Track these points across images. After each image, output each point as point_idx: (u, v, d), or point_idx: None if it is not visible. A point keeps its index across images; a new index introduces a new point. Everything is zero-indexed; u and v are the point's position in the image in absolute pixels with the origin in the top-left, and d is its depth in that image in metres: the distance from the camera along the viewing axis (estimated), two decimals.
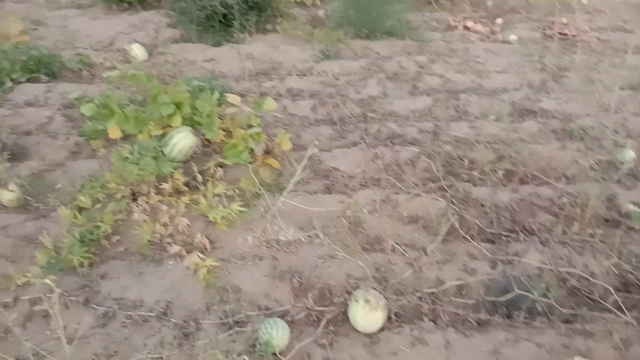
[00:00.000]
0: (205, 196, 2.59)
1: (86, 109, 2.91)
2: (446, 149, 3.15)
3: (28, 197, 2.70)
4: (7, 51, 4.24)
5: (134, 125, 2.76)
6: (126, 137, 3.00)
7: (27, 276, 2.20)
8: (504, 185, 2.95)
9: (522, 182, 2.99)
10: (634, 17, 6.19)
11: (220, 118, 3.04)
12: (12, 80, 4.00)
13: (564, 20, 5.70)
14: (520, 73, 4.42)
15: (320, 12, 5.75)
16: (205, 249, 2.42)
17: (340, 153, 3.14)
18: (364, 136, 3.32)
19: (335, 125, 3.51)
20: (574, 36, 5.32)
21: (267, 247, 2.46)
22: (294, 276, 2.27)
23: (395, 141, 3.29)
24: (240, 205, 2.58)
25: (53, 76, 4.22)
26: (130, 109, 2.99)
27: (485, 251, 2.46)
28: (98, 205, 2.50)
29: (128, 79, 2.92)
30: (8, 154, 2.86)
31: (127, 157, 2.57)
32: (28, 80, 4.08)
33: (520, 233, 2.62)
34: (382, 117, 3.63)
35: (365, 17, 5.05)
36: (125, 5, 5.90)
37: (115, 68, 4.36)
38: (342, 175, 2.92)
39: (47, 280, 1.55)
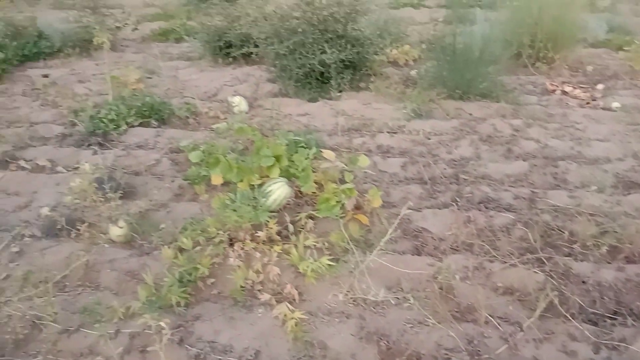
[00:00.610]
0: (296, 247, 2.66)
1: (193, 156, 3.14)
2: (544, 218, 3.02)
3: (134, 234, 2.91)
4: (125, 97, 4.71)
5: (236, 174, 2.93)
6: (226, 184, 3.18)
7: (129, 310, 2.34)
8: (608, 263, 2.75)
9: (629, 260, 2.78)
10: None
11: (313, 171, 3.15)
12: (127, 123, 4.41)
13: None
14: (624, 143, 4.18)
15: (413, 72, 5.86)
16: (294, 300, 2.45)
17: (431, 214, 3.11)
18: (456, 198, 3.27)
19: (425, 184, 3.50)
20: None
21: (354, 305, 2.45)
22: (381, 339, 2.23)
23: (489, 205, 3.20)
24: (329, 259, 2.61)
25: (162, 122, 4.59)
26: (232, 157, 3.18)
27: (587, 333, 2.29)
28: (197, 248, 2.64)
29: (235, 132, 3.11)
30: (121, 193, 3.11)
31: (227, 204, 2.72)
32: (140, 125, 4.47)
33: (628, 317, 2.41)
34: (475, 179, 3.56)
35: (459, 79, 5.07)
36: (230, 59, 6.36)
37: (218, 117, 4.70)
38: (433, 237, 2.88)
39: (161, 323, 1.63)
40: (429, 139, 4.22)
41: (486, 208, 3.17)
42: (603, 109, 5.00)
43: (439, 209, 3.17)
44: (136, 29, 8.08)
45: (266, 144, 2.97)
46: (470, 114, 4.79)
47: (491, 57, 5.20)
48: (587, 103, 5.14)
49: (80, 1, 7.68)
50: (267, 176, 3.02)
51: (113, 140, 4.20)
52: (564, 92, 5.39)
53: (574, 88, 5.47)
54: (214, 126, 3.64)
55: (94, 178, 3.21)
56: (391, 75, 5.87)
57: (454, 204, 3.21)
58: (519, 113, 4.79)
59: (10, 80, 6.01)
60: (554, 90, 5.45)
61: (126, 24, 7.86)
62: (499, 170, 3.69)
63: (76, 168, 3.71)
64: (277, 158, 2.99)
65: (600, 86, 5.64)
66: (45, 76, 6.14)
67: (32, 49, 6.86)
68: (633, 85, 5.80)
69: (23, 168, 3.79)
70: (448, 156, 3.94)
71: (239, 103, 4.86)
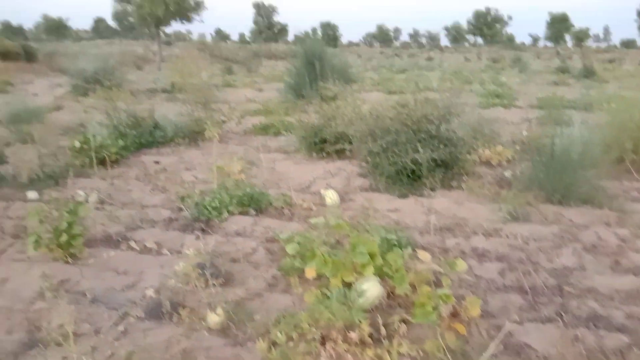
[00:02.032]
0: (389, 353, 2.58)
1: (290, 248, 3.25)
2: None
3: (230, 323, 3.00)
4: (228, 186, 5.06)
5: (330, 269, 2.97)
6: (319, 277, 3.23)
7: None
8: None
9: None
10: None
11: (407, 271, 3.11)
12: (228, 211, 4.69)
13: None
14: None
15: (507, 173, 5.78)
16: None
17: (534, 328, 2.91)
18: (561, 312, 3.06)
19: (526, 294, 3.31)
20: None
21: None
22: None
23: (599, 324, 2.95)
24: None
25: (260, 211, 4.84)
26: (325, 250, 3.25)
27: None
28: (290, 343, 2.65)
29: (333, 227, 3.21)
30: (222, 280, 3.25)
31: (321, 300, 2.74)
32: (240, 213, 4.74)
33: None
34: (581, 292, 3.33)
35: (557, 182, 4.93)
36: (324, 154, 6.70)
37: (311, 209, 4.87)
38: (537, 355, 2.68)
39: None
40: (528, 244, 4.06)
41: (595, 326, 2.92)
42: None
43: (543, 323, 2.97)
44: (239, 123, 8.79)
45: (362, 241, 3.02)
46: (571, 220, 4.58)
47: (591, 161, 5.04)
48: None
49: (193, 97, 8.54)
50: (361, 273, 3.04)
51: (214, 227, 4.46)
52: None
53: None
54: (311, 220, 3.77)
55: (196, 263, 3.40)
56: (484, 175, 5.83)
57: (558, 318, 2.99)
58: (625, 222, 4.51)
59: (126, 165, 6.70)
60: None
61: (231, 118, 8.59)
62: (606, 284, 3.43)
63: (180, 252, 3.97)
64: (372, 256, 3.01)
65: None
66: (157, 163, 6.79)
67: (148, 138, 7.68)
68: None
69: (132, 248, 4.11)
70: (549, 264, 3.74)
71: (332, 196, 5.03)
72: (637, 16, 62.81)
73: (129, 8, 26.46)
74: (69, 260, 3.76)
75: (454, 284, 3.38)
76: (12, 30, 65.11)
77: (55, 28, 66.78)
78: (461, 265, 3.01)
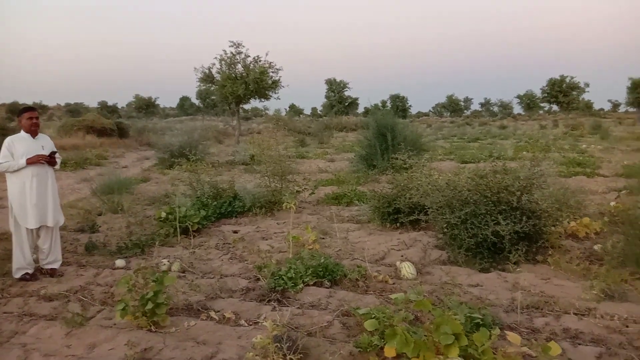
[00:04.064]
0: None
1: (369, 325, 3.17)
2: None
3: None
4: (303, 257, 5.10)
5: (412, 349, 2.85)
6: (398, 356, 3.10)
7: None
8: None
9: None
10: None
11: (494, 353, 2.92)
12: (303, 282, 4.70)
13: None
14: None
15: (597, 247, 5.41)
16: None
17: None
18: None
19: None
20: None
21: None
22: None
23: None
24: None
25: (334, 282, 4.80)
26: (405, 328, 3.13)
27: None
28: None
29: (415, 305, 3.12)
30: (300, 355, 3.21)
31: None
32: (314, 284, 4.73)
33: None
34: None
35: None
36: (398, 224, 6.63)
37: (387, 282, 4.77)
38: None
39: None
40: (627, 326, 3.69)
41: None
42: None
43: None
44: (313, 192, 8.98)
45: (445, 320, 2.89)
46: None
47: None
48: None
49: (269, 168, 8.89)
50: (444, 354, 2.88)
51: (290, 298, 4.47)
52: None
53: None
54: (391, 296, 3.68)
55: (273, 335, 3.39)
56: (571, 249, 5.49)
57: None
58: None
59: (207, 234, 6.97)
60: None
61: (305, 188, 8.80)
62: None
63: (257, 322, 3.99)
64: (456, 336, 2.86)
65: None
66: (236, 232, 7.01)
67: (227, 208, 8.00)
68: None
69: (212, 318, 4.18)
70: None
71: (409, 269, 4.91)
72: None
73: (212, 88, 28.50)
74: (153, 328, 3.88)
75: None
76: (108, 109, 72.16)
77: (145, 106, 73.14)
78: (556, 349, 2.78)
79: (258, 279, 4.91)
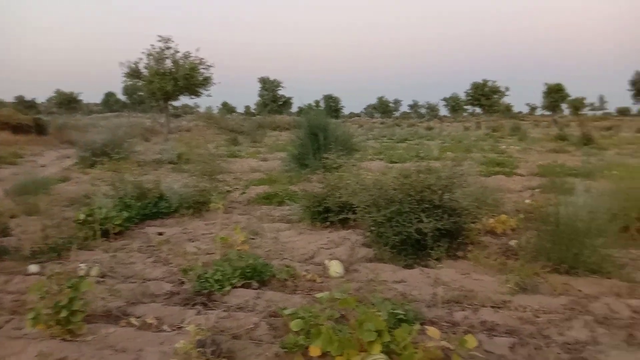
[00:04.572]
0: None
1: (295, 325, 3.16)
2: None
3: None
4: (231, 258, 5.00)
5: (336, 347, 2.87)
6: (324, 355, 3.11)
7: None
8: None
9: None
10: None
11: (415, 348, 3.00)
12: (230, 284, 4.61)
13: None
14: None
15: (512, 242, 5.73)
16: None
17: None
18: None
19: None
20: None
21: None
22: None
23: None
24: None
25: (263, 283, 4.75)
26: (330, 326, 3.15)
27: None
28: None
29: (340, 303, 3.14)
30: (224, 358, 3.14)
31: None
32: (242, 286, 4.65)
33: None
34: None
35: (564, 252, 4.86)
36: (328, 223, 6.68)
37: (315, 281, 4.79)
38: None
39: None
40: (538, 317, 3.94)
41: None
42: None
43: None
44: (243, 192, 8.86)
45: (369, 317, 2.94)
46: (580, 291, 4.47)
47: (597, 230, 4.99)
48: None
49: (198, 168, 8.68)
50: (366, 351, 2.93)
51: (216, 301, 4.37)
52: None
53: None
54: (316, 295, 3.70)
55: (197, 340, 3.30)
56: (489, 245, 5.78)
57: None
58: (635, 292, 4.40)
59: (129, 237, 6.68)
60: None
61: (235, 188, 8.67)
62: (622, 359, 3.29)
63: (180, 327, 3.86)
64: (379, 332, 2.92)
65: None
66: (160, 234, 6.77)
67: (152, 209, 7.71)
68: None
69: (132, 325, 4.00)
70: (561, 338, 3.61)
71: (336, 267, 4.96)
72: (630, 85, 64.71)
73: (139, 83, 27.44)
74: (68, 337, 3.65)
75: None
76: (25, 104, 67.37)
77: (67, 102, 69.13)
78: (472, 341, 2.90)
79: (183, 283, 4.76)
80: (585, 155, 16.36)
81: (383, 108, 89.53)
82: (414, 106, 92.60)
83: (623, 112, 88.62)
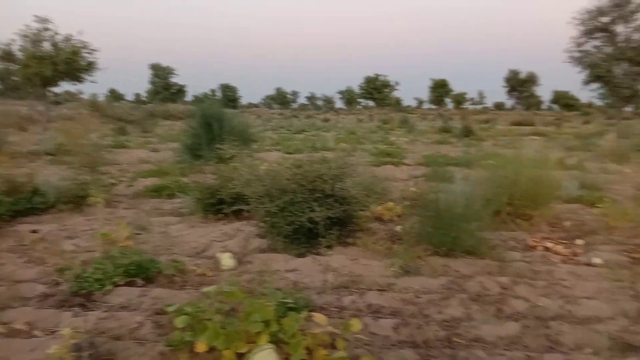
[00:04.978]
0: None
1: (180, 321, 3.04)
2: None
3: None
4: (113, 255, 4.70)
5: (223, 341, 2.82)
6: (212, 350, 3.04)
7: None
8: None
9: None
10: None
11: (303, 335, 3.04)
12: (112, 283, 4.33)
13: None
14: (613, 300, 4.19)
15: (398, 228, 6.04)
16: None
17: None
18: None
19: (419, 348, 3.38)
20: None
21: None
22: None
23: None
24: None
25: (149, 280, 4.53)
26: (219, 319, 3.08)
27: None
28: None
29: (226, 296, 3.08)
30: None
31: None
32: (126, 284, 4.40)
33: None
34: (469, 342, 3.47)
35: (443, 235, 5.21)
36: (221, 215, 6.54)
37: (206, 275, 4.66)
38: None
39: None
40: (419, 297, 4.19)
41: None
42: (586, 265, 5.10)
43: None
44: (130, 185, 8.38)
45: (256, 308, 2.91)
46: (457, 271, 4.83)
47: (473, 214, 5.42)
48: (570, 259, 5.25)
49: (79, 159, 8.05)
50: (255, 343, 2.91)
51: (96, 301, 4.09)
52: (546, 248, 5.53)
53: (555, 244, 5.63)
54: (204, 290, 3.59)
55: (72, 344, 3.06)
56: (377, 231, 6.03)
57: None
58: (504, 270, 4.85)
59: None
60: (535, 246, 5.59)
61: (121, 180, 8.16)
62: (491, 332, 3.62)
63: (54, 332, 3.56)
64: (267, 323, 2.91)
65: (579, 241, 5.83)
66: (35, 232, 6.17)
67: (25, 205, 7.00)
68: (611, 240, 5.99)
69: None
70: (439, 316, 3.87)
71: (228, 260, 4.88)
72: (505, 82, 71.21)
73: (13, 67, 24.71)
74: None
75: (351, 344, 3.36)
76: None
77: None
78: (356, 325, 3.00)
79: (58, 283, 4.39)
80: (465, 146, 17.72)
81: (281, 99, 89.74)
82: (311, 98, 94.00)
83: (499, 106, 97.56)
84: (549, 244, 5.60)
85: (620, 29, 18.81)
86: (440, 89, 72.93)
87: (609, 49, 19.00)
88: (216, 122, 12.36)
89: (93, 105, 36.22)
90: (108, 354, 3.21)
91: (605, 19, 18.74)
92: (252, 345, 2.94)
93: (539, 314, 3.93)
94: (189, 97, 68.08)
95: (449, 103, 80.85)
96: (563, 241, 5.83)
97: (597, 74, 19.01)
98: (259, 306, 2.92)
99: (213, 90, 72.78)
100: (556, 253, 5.41)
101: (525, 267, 4.91)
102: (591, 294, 4.34)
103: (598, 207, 7.18)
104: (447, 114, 61.51)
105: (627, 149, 15.14)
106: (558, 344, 3.49)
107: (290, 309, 3.52)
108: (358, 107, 77.94)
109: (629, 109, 40.82)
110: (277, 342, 3.00)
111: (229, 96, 71.50)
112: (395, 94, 70.54)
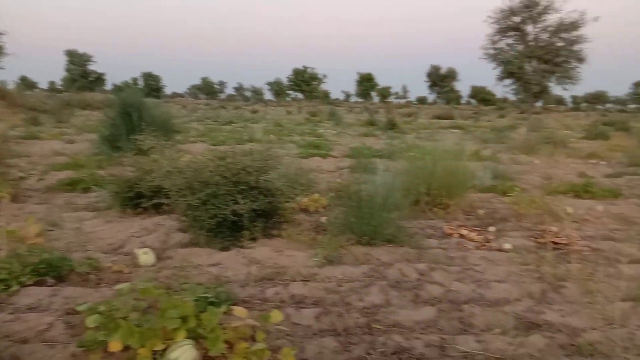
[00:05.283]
0: None
1: (91, 321, 2.89)
2: None
3: None
4: (21, 253, 4.39)
5: (138, 339, 2.72)
6: (127, 349, 2.92)
7: None
8: None
9: None
10: (619, 226, 6.56)
11: (224, 329, 3.01)
12: (19, 283, 4.04)
13: (554, 228, 6.03)
14: (520, 283, 4.49)
15: (323, 219, 6.11)
16: None
17: None
18: (370, 351, 3.24)
19: (339, 336, 3.45)
20: (566, 245, 5.56)
21: None
22: None
23: (402, 356, 3.19)
24: None
25: (60, 279, 4.28)
26: (135, 317, 2.97)
27: None
28: None
29: (141, 293, 2.96)
30: None
31: None
32: (35, 284, 4.13)
33: None
34: (388, 328, 3.58)
35: (365, 225, 5.35)
36: (140, 209, 6.28)
37: (123, 272, 4.47)
38: None
39: None
40: (341, 286, 4.27)
41: (399, 359, 3.15)
42: (497, 250, 5.44)
43: None
44: (42, 178, 7.85)
45: (173, 304, 2.83)
46: (378, 259, 4.97)
47: (393, 204, 5.60)
48: (483, 245, 5.57)
49: None
50: (172, 339, 2.83)
51: (2, 303, 3.80)
52: (461, 235, 5.84)
53: (470, 231, 5.95)
54: (116, 287, 3.44)
55: None
56: (303, 222, 6.07)
57: (367, 356, 3.16)
58: (422, 257, 5.06)
59: None
60: (451, 234, 5.88)
61: (31, 174, 7.62)
62: (408, 317, 3.76)
63: None
64: (184, 318, 2.84)
65: (492, 228, 6.19)
66: None
67: None
68: (520, 227, 6.43)
69: None
70: (360, 304, 3.97)
71: (146, 256, 4.71)
72: (427, 77, 74.01)
73: None
74: None
75: (273, 336, 3.37)
76: None
77: None
78: (276, 316, 3.01)
79: None
80: (389, 138, 18.24)
81: (208, 89, 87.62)
82: (239, 89, 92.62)
83: (421, 100, 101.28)
84: (464, 231, 5.91)
85: (530, 28, 20.12)
86: (366, 82, 74.53)
87: (520, 47, 20.29)
88: (136, 112, 11.85)
89: (1, 93, 33.40)
90: (12, 359, 3.00)
91: (516, 19, 19.98)
92: (170, 342, 2.86)
93: (453, 298, 4.14)
94: (109, 86, 64.71)
95: (375, 97, 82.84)
96: (477, 228, 6.17)
97: (510, 70, 20.26)
98: (176, 302, 2.85)
99: (135, 79, 69.71)
100: (470, 240, 5.72)
101: (441, 254, 5.15)
102: (501, 277, 4.64)
103: (509, 196, 7.66)
104: (373, 107, 63.01)
105: (536, 142, 16.28)
106: (470, 326, 3.70)
107: (212, 303, 3.46)
108: (287, 99, 77.87)
109: (539, 104, 43.96)
110: (196, 337, 2.95)
111: (152, 85, 68.83)
112: (324, 86, 71.24)
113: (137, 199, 6.31)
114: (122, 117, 11.91)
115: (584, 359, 3.26)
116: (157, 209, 6.26)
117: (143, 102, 12.66)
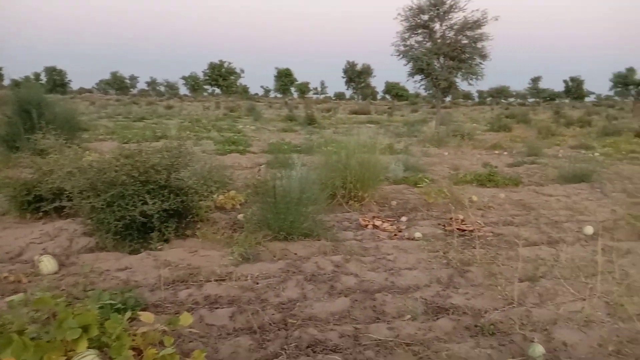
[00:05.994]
0: None
1: None
2: (368, 355, 3.13)
3: None
4: None
5: (33, 354, 2.52)
6: None
7: None
8: None
9: None
10: (518, 212, 7.08)
11: (132, 336, 2.87)
12: None
13: (460, 216, 6.39)
14: (429, 269, 4.71)
15: (240, 216, 6.03)
16: None
17: None
18: (285, 346, 3.24)
19: (255, 334, 3.42)
20: (471, 231, 5.91)
21: None
22: None
23: (317, 349, 3.23)
24: None
25: None
26: (32, 331, 2.75)
27: None
28: None
29: (33, 303, 2.74)
30: None
31: None
32: None
33: None
34: (303, 322, 3.61)
35: (282, 220, 5.35)
36: (41, 214, 5.84)
37: (21, 282, 4.14)
38: None
39: None
40: (257, 283, 4.23)
41: (314, 352, 3.18)
42: (408, 239, 5.66)
43: None
44: None
45: (72, 314, 2.65)
46: (296, 254, 4.99)
47: (310, 199, 5.64)
48: (395, 235, 5.78)
49: None
50: (74, 350, 2.66)
51: None
52: (375, 226, 6.01)
53: (383, 222, 6.15)
54: (7, 299, 3.17)
55: None
56: (219, 221, 5.95)
57: (283, 352, 3.16)
58: (338, 249, 5.15)
59: None
60: (366, 225, 6.05)
61: None
62: (324, 309, 3.81)
63: None
64: (86, 328, 2.67)
65: (404, 218, 6.44)
66: None
67: None
68: (429, 215, 6.74)
69: None
70: (276, 300, 3.96)
71: (47, 263, 4.38)
72: (343, 73, 75.38)
73: None
74: None
75: (185, 339, 3.28)
76: None
77: None
78: (185, 319, 2.92)
79: None
80: (308, 133, 18.38)
81: (118, 84, 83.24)
82: (152, 84, 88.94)
83: (339, 96, 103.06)
84: (378, 222, 6.10)
85: (437, 26, 21.08)
86: (285, 78, 74.46)
87: (428, 45, 21.21)
88: (36, 109, 11.00)
89: None
90: None
91: (425, 17, 20.85)
92: (72, 354, 2.69)
93: (366, 287, 4.25)
94: (7, 82, 59.47)
95: (294, 92, 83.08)
96: (390, 219, 6.39)
97: (419, 67, 21.10)
98: (77, 311, 2.67)
99: (37, 74, 64.67)
100: (384, 230, 5.91)
101: (356, 245, 5.28)
102: (411, 265, 4.84)
103: (419, 186, 8.01)
104: (292, 102, 63.14)
105: (445, 135, 17.15)
106: (382, 314, 3.82)
107: (118, 310, 3.29)
108: (204, 94, 75.91)
109: (448, 99, 46.30)
110: (101, 346, 2.79)
111: (57, 80, 64.21)
112: (242, 81, 70.19)
113: (37, 203, 5.86)
114: (20, 115, 11.01)
115: (487, 338, 3.48)
116: (59, 212, 5.84)
117: (43, 98, 11.78)
